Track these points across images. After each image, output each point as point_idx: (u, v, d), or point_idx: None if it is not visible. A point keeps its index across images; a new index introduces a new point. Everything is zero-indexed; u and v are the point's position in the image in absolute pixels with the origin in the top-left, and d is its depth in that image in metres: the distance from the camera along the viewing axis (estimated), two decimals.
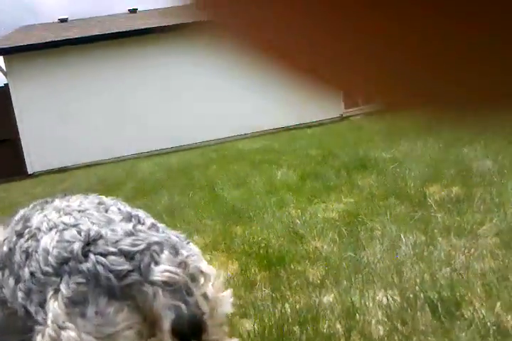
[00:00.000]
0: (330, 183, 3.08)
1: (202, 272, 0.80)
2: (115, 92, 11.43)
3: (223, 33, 0.18)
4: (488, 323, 1.09)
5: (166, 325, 0.72)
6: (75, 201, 0.97)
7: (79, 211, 0.88)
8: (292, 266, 1.73)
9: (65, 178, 8.09)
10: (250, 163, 5.07)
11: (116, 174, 7.21)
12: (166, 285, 0.73)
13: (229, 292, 0.88)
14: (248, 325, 1.38)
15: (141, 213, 0.92)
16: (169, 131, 11.59)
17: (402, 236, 1.76)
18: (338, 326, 1.23)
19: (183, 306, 0.73)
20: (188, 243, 0.86)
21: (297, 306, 1.40)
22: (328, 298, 1.43)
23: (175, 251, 0.78)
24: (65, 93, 11.16)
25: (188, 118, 11.67)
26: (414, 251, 1.61)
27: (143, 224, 0.84)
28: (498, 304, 1.17)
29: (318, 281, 1.56)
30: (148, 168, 7.13)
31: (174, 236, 0.85)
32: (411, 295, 1.30)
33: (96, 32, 11.55)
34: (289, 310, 1.39)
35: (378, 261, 1.60)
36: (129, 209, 0.92)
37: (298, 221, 2.30)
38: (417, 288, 1.34)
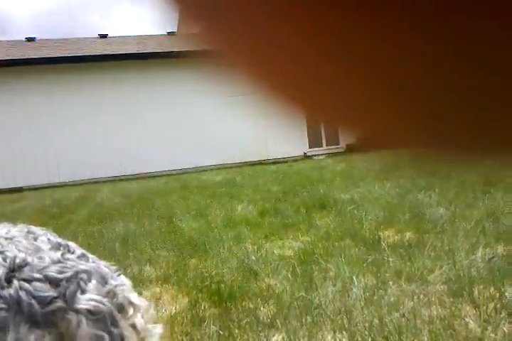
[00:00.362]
0: (288, 221, 3.10)
1: (131, 303, 0.79)
2: (77, 115, 11.29)
3: (225, 62, 0.18)
4: None
5: None
6: (3, 229, 0.95)
7: (6, 238, 0.86)
8: (243, 303, 1.70)
9: (17, 199, 7.75)
10: (212, 195, 5.05)
11: (73, 197, 6.99)
12: (91, 314, 0.71)
13: (160, 325, 0.87)
14: None
15: (71, 244, 0.93)
16: (131, 157, 11.45)
17: (354, 279, 1.77)
18: None
19: (106, 337, 0.70)
20: (119, 275, 0.86)
21: None
22: (276, 339, 1.40)
23: (103, 280, 0.77)
24: (26, 111, 10.91)
25: (151, 146, 11.60)
26: (365, 294, 1.62)
27: (72, 253, 0.83)
28: None
29: (269, 320, 1.53)
30: (107, 194, 6.96)
31: (104, 266, 0.84)
32: (359, 339, 1.30)
33: (64, 53, 11.48)
34: None
35: (329, 303, 1.59)
36: (59, 239, 0.92)
37: (253, 257, 2.28)
38: (365, 332, 1.34)
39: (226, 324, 1.54)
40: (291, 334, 1.39)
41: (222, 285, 1.87)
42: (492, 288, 1.54)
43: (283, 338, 1.39)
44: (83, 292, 0.72)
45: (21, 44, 12.71)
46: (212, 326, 1.54)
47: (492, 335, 1.26)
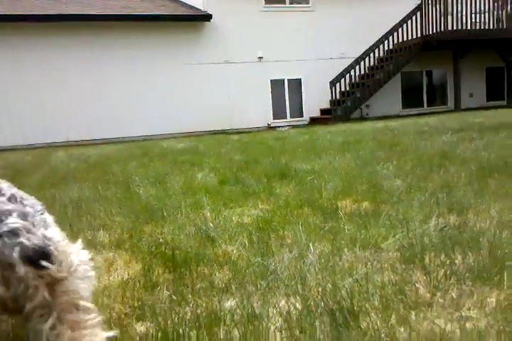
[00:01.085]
0: (249, 189, 3.08)
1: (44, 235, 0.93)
2: (49, 79, 10.74)
3: None
4: (382, 335, 1.11)
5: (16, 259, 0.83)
6: None
7: None
8: (198, 269, 1.67)
9: None
10: (172, 163, 4.96)
11: (27, 161, 6.71)
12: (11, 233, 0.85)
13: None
14: (143, 328, 1.30)
15: (4, 186, 1.01)
16: (93, 121, 11.07)
17: (310, 246, 1.77)
18: (236, 332, 1.20)
19: (25, 241, 0.86)
20: (42, 213, 0.99)
21: (198, 310, 1.35)
22: (230, 303, 1.39)
23: (24, 217, 0.91)
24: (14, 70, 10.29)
25: (116, 111, 11.24)
26: (321, 260, 1.63)
27: (2, 195, 0.94)
28: (393, 316, 1.20)
29: (223, 285, 1.52)
30: (62, 158, 6.72)
31: (30, 207, 0.97)
32: (312, 303, 1.30)
33: (27, 12, 10.76)
34: (188, 314, 1.33)
35: (285, 269, 1.59)
36: None
37: (211, 224, 2.25)
38: (318, 296, 1.35)
39: (179, 289, 1.51)
40: (245, 299, 1.38)
41: (178, 252, 1.83)
42: (443, 256, 1.57)
43: (236, 302, 1.37)
44: (2, 221, 0.86)
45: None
46: (165, 291, 1.51)
47: (441, 300, 1.29)
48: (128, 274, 1.70)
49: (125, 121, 11.18)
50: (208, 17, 11.68)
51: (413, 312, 1.23)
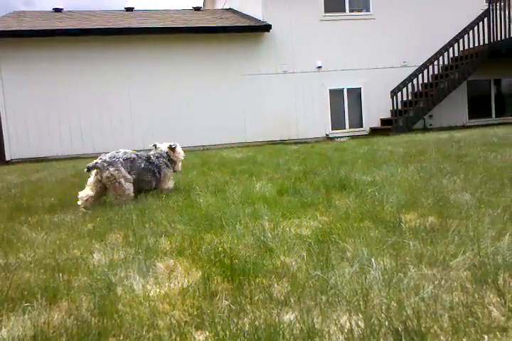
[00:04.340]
0: (307, 200, 3.04)
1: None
2: (104, 88, 11.29)
3: None
4: None
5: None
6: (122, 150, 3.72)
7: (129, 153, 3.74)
8: (257, 280, 1.66)
9: (41, 168, 7.87)
10: (231, 172, 5.01)
11: None
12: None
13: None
14: (202, 337, 1.31)
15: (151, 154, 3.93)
16: (155, 131, 11.47)
17: (372, 260, 1.71)
18: None
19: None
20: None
21: (256, 322, 1.33)
22: (289, 317, 1.36)
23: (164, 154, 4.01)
24: (52, 83, 10.98)
25: (176, 121, 11.58)
26: (384, 276, 1.57)
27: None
28: (464, 340, 1.13)
29: (282, 298, 1.50)
30: None
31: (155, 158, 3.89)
32: (375, 322, 1.25)
33: (90, 26, 11.41)
34: (247, 325, 1.32)
35: (346, 284, 1.54)
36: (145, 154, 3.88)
37: (269, 234, 2.24)
38: (382, 315, 1.29)
39: (238, 299, 1.51)
40: (305, 313, 1.35)
41: (236, 261, 1.84)
42: None
43: (296, 316, 1.35)
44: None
45: (48, 15, 12.70)
46: (224, 300, 1.51)
47: None
48: (188, 282, 1.72)
49: (186, 131, 11.48)
50: (267, 27, 11.82)
51: (486, 337, 1.15)
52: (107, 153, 3.59)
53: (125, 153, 3.61)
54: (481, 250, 1.72)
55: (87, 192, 3.44)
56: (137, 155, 3.68)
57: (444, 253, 1.74)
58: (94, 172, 3.48)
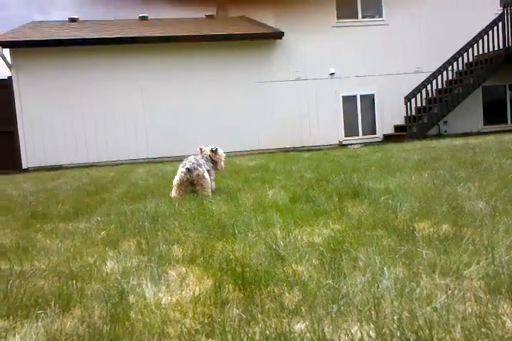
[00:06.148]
0: (320, 208, 3.03)
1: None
2: (118, 95, 11.44)
3: None
4: None
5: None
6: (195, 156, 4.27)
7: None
8: (268, 288, 1.66)
9: (57, 176, 7.99)
10: (243, 180, 5.03)
11: (109, 177, 7.13)
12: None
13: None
14: None
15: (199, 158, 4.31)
16: (169, 139, 11.56)
17: (385, 269, 1.70)
18: None
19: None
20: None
21: (267, 331, 1.33)
22: (300, 326, 1.36)
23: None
24: (68, 92, 11.16)
25: (190, 129, 11.65)
26: (396, 286, 1.55)
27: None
28: None
29: (293, 307, 1.49)
30: (142, 175, 7.06)
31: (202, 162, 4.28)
32: (387, 332, 1.24)
33: (105, 35, 11.59)
34: (257, 334, 1.32)
35: (357, 293, 1.53)
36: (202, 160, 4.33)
37: (281, 242, 2.24)
38: (394, 325, 1.28)
39: (249, 308, 1.51)
40: (316, 323, 1.35)
41: (248, 269, 1.84)
42: None
43: (307, 326, 1.34)
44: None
45: (64, 24, 12.95)
46: (234, 309, 1.51)
47: None
48: (199, 290, 1.73)
49: (198, 139, 11.55)
50: (279, 35, 11.88)
51: None
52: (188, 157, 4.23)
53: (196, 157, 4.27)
54: (495, 259, 1.70)
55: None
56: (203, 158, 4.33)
57: (457, 262, 1.72)
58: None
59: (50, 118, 11.01)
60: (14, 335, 1.44)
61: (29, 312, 1.59)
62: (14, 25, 13.06)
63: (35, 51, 10.81)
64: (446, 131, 12.80)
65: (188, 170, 4.04)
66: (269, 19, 12.44)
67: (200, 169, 4.06)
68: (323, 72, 12.48)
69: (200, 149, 4.49)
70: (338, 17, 12.57)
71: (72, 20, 13.32)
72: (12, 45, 10.74)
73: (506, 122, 13.48)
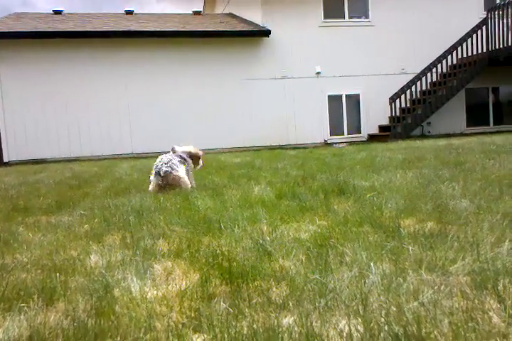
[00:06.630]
0: (306, 204, 3.04)
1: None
2: (102, 90, 11.29)
3: None
4: None
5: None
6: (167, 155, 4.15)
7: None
8: (255, 283, 1.65)
9: (39, 170, 7.85)
10: (229, 176, 5.01)
11: (93, 171, 7.04)
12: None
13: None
14: (200, 339, 1.30)
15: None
16: (153, 135, 11.46)
17: (371, 265, 1.71)
18: None
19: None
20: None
21: (254, 325, 1.32)
22: (288, 320, 1.35)
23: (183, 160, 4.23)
24: (51, 85, 10.97)
25: (174, 125, 11.57)
26: (383, 281, 1.56)
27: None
28: None
29: (280, 301, 1.49)
30: (126, 170, 6.99)
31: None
32: (375, 326, 1.24)
33: (90, 28, 11.43)
34: (245, 329, 1.31)
35: (345, 288, 1.53)
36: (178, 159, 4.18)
37: (268, 238, 2.23)
38: (381, 319, 1.28)
39: (236, 302, 1.50)
40: (304, 317, 1.34)
41: (235, 264, 1.83)
42: None
43: (294, 320, 1.34)
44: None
45: (48, 17, 12.72)
46: (222, 303, 1.50)
47: None
48: (185, 284, 1.71)
49: (183, 136, 11.49)
50: (266, 33, 11.87)
51: None
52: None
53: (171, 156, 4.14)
54: (480, 256, 1.72)
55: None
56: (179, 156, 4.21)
57: (443, 258, 1.74)
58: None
59: (32, 112, 10.81)
60: None
61: (11, 306, 1.56)
62: None
63: (18, 43, 10.60)
64: (429, 132, 12.96)
65: (162, 175, 3.93)
66: (257, 17, 12.42)
67: (174, 172, 3.93)
68: (310, 71, 12.51)
69: (173, 149, 4.35)
70: (325, 16, 12.61)
71: (57, 12, 13.10)
72: None
73: (488, 124, 13.72)
